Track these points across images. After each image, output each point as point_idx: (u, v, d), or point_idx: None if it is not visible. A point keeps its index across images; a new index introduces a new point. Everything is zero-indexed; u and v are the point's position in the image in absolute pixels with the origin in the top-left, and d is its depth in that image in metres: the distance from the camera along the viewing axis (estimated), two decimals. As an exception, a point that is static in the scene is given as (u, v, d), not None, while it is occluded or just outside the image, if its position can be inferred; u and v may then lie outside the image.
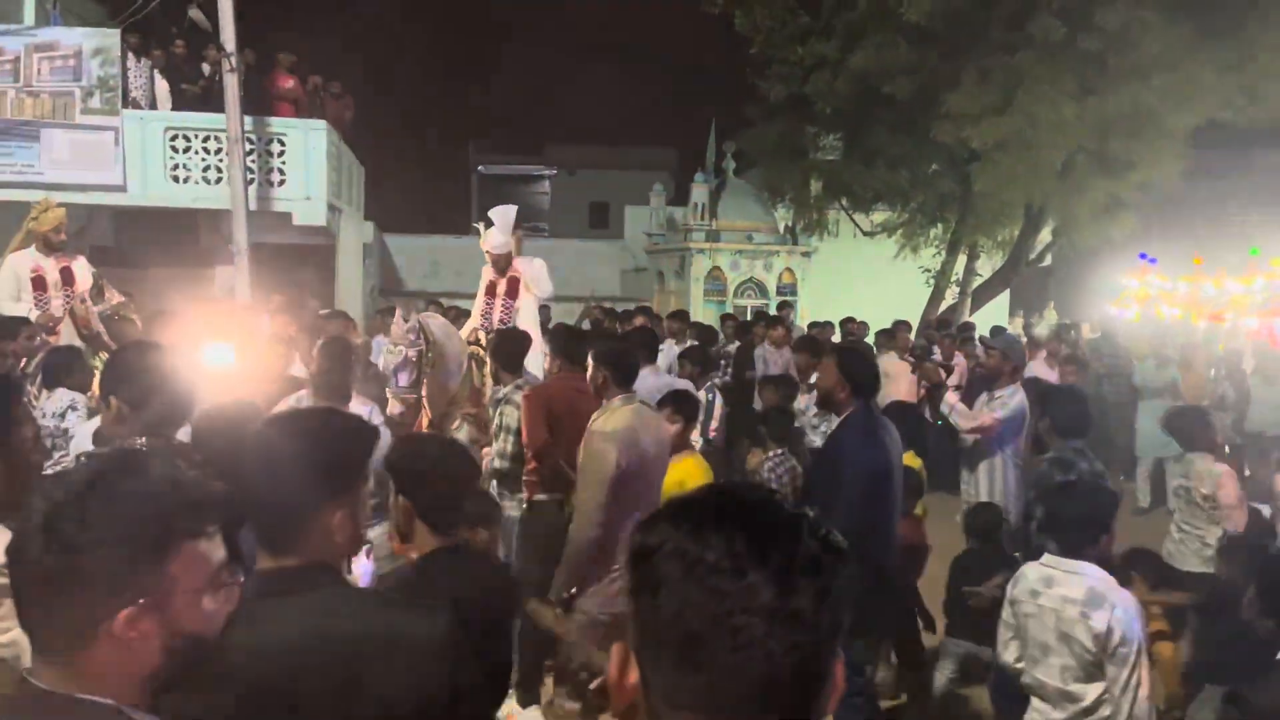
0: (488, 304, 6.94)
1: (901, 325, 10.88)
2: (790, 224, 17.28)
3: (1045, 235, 15.33)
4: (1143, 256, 14.86)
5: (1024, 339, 11.73)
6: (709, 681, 0.91)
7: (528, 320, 6.76)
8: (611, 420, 3.89)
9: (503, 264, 6.87)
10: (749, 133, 15.65)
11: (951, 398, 6.10)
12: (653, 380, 5.91)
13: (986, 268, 15.69)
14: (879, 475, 3.95)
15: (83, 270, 7.14)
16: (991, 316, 15.54)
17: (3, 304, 6.85)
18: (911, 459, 5.14)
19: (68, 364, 5.16)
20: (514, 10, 36.71)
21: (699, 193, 17.18)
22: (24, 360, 6.24)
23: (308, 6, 25.01)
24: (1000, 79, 11.69)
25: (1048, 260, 16.58)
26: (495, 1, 37.92)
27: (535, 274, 7.02)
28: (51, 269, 6.97)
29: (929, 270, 15.16)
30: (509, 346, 5.41)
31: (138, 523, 1.20)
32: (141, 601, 1.20)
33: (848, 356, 4.30)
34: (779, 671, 0.90)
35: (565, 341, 5.17)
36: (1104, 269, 19.36)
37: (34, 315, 6.70)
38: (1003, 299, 17.22)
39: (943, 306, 15.10)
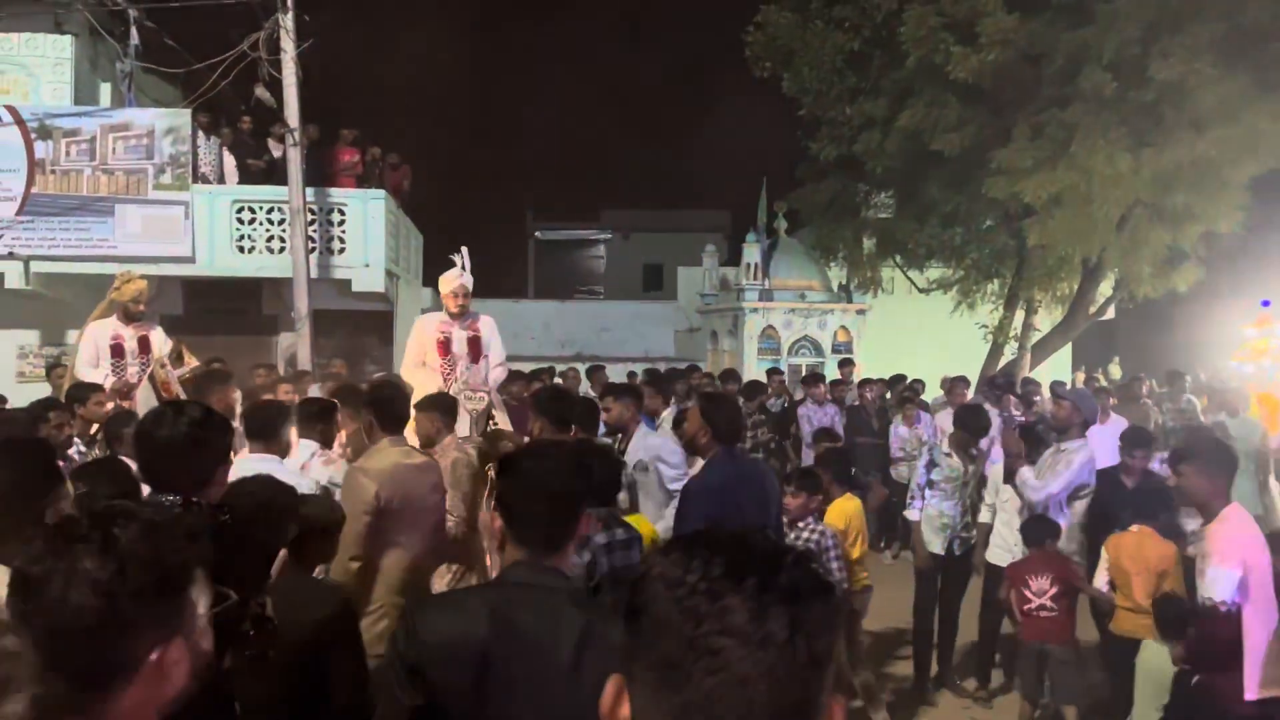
0: (445, 364, 6.65)
1: (960, 381, 10.72)
2: (844, 282, 17.25)
3: (1106, 289, 15.05)
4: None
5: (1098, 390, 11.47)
6: (685, 703, 0.92)
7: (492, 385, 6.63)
8: (374, 460, 4.23)
9: (464, 305, 6.72)
10: (800, 192, 15.72)
11: (1025, 472, 5.91)
12: (652, 440, 5.69)
13: (1045, 322, 15.42)
14: (725, 519, 3.90)
15: (159, 338, 7.40)
16: (1052, 372, 15.25)
17: (82, 369, 7.11)
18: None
19: (119, 429, 5.38)
20: (567, 79, 37.64)
21: (751, 252, 17.26)
22: (94, 425, 6.47)
23: (367, 81, 25.96)
24: (1053, 133, 11.61)
25: (1110, 314, 16.25)
26: (549, 71, 38.95)
27: (490, 337, 6.89)
28: (130, 337, 7.23)
29: (986, 326, 14.95)
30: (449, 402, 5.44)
31: (168, 559, 1.27)
32: (179, 631, 1.27)
33: (709, 403, 4.39)
34: (756, 697, 0.90)
35: (549, 403, 5.11)
36: (1174, 320, 18.89)
37: (109, 381, 6.93)
38: (1064, 354, 16.88)
39: (1002, 362, 14.85)
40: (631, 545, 3.67)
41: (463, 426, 5.64)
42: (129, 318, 7.38)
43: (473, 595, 2.53)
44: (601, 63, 38.87)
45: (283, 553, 2.78)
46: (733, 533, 1.01)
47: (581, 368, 12.64)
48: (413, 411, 4.84)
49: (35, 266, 11.85)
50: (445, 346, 6.65)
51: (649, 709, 0.96)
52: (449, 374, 6.58)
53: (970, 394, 10.86)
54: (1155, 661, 4.61)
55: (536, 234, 32.76)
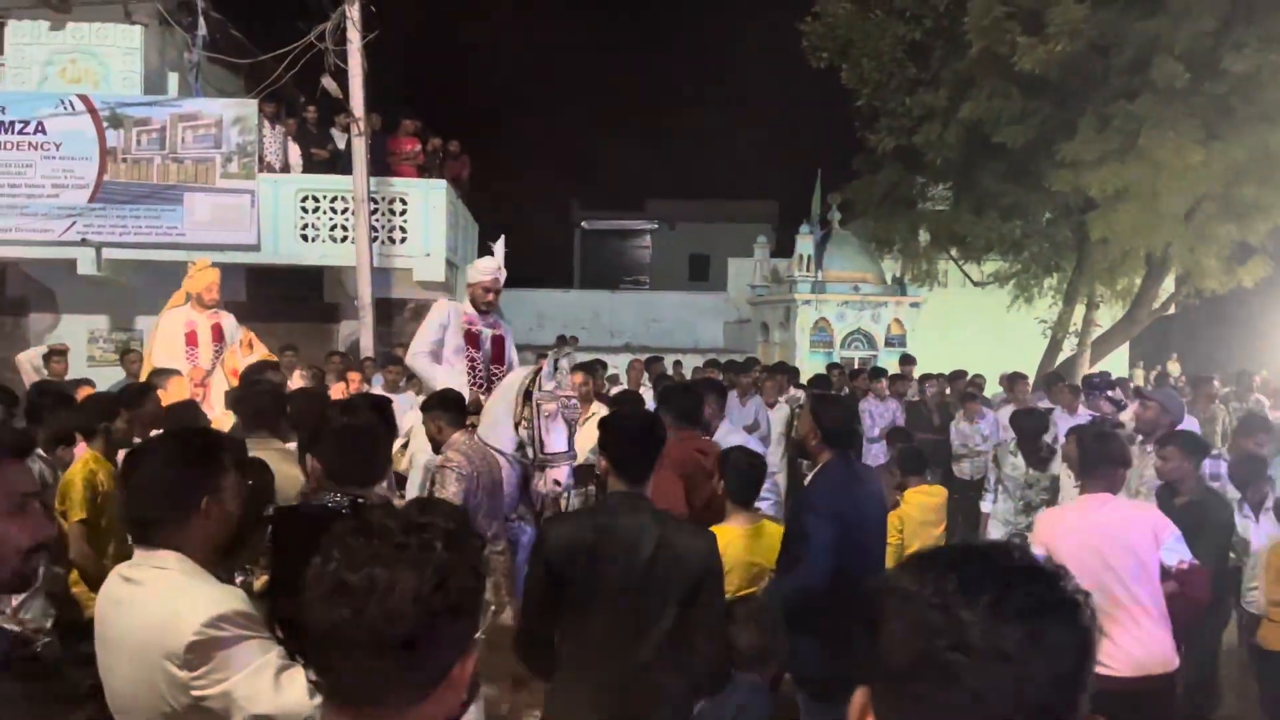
0: (473, 352, 5.93)
1: (1019, 378, 10.62)
2: (898, 274, 17.11)
3: (1168, 284, 14.80)
4: None
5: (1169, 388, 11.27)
6: (922, 717, 0.93)
7: (504, 399, 5.32)
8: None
9: (494, 301, 6.03)
10: (855, 183, 15.62)
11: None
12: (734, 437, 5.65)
13: (1106, 318, 15.20)
14: (848, 525, 3.84)
15: (231, 326, 7.54)
16: (1111, 368, 15.02)
17: (158, 356, 7.27)
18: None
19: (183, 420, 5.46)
20: (615, 66, 37.59)
21: (804, 244, 17.15)
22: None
23: (426, 69, 26.14)
24: (1120, 125, 11.41)
25: (1171, 310, 15.99)
26: (595, 60, 38.94)
27: (510, 347, 6.22)
28: (204, 325, 7.36)
29: (1045, 321, 14.77)
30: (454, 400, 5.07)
31: (476, 576, 1.28)
32: (472, 647, 1.29)
33: (819, 404, 4.28)
34: (991, 714, 0.90)
35: (679, 398, 4.98)
36: (1233, 316, 18.55)
37: (186, 369, 7.08)
38: (1121, 350, 16.63)
39: (1060, 358, 14.66)
40: None
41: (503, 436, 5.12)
42: (202, 306, 7.52)
43: (584, 513, 3.47)
44: (646, 51, 38.76)
45: None
46: (976, 547, 1.02)
47: (636, 357, 12.66)
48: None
49: (106, 253, 12.12)
50: (474, 339, 5.97)
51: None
52: (479, 371, 5.90)
53: (1030, 390, 10.75)
54: None
55: (582, 224, 32.82)
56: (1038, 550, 3.47)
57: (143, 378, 7.08)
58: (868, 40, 13.90)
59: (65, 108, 12.07)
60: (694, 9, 37.11)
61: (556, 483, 5.00)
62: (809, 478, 4.27)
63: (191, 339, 7.37)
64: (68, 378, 8.98)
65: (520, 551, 4.92)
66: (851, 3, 14.21)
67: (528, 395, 5.06)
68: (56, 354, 9.77)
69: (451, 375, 5.69)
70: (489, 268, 5.99)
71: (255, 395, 4.31)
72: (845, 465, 4.04)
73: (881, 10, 13.88)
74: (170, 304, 7.71)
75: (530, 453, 5.05)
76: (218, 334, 7.48)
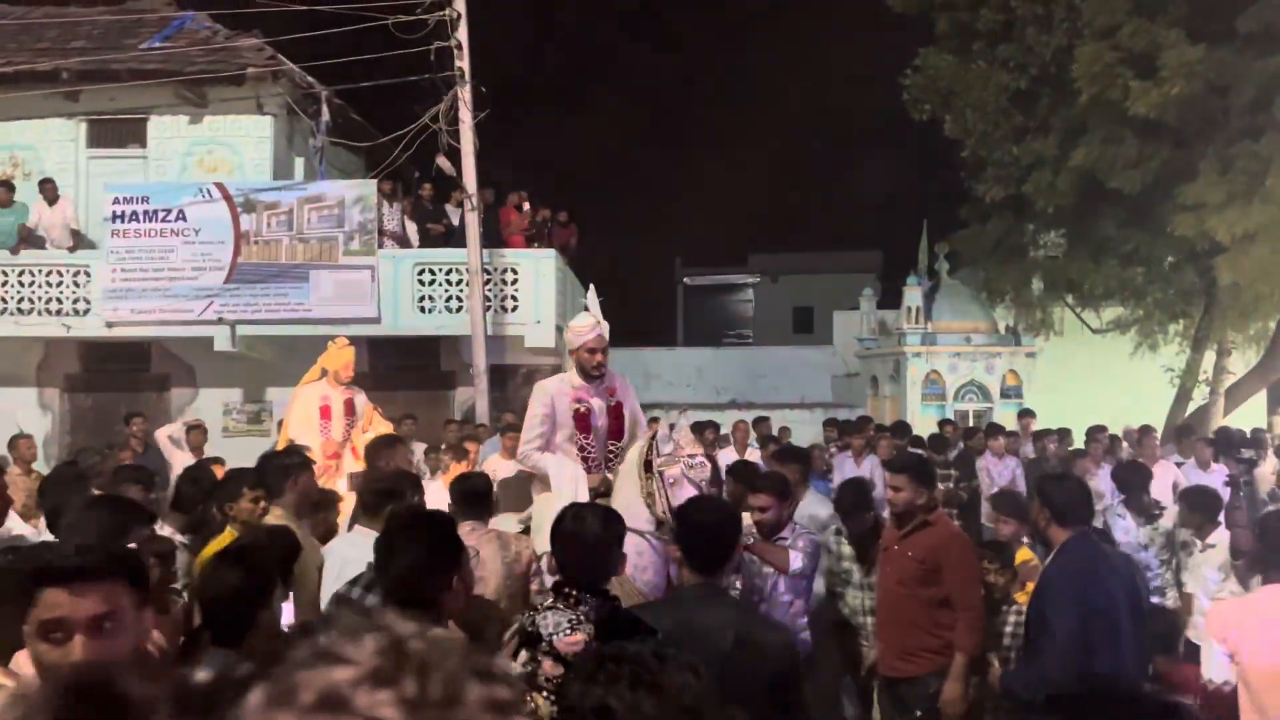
0: (584, 438, 5.18)
1: (1148, 430, 10.21)
2: (1011, 324, 16.69)
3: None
4: None
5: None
6: None
7: (629, 476, 4.75)
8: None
9: (603, 363, 5.29)
10: (963, 232, 15.40)
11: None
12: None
13: (1239, 364, 14.48)
14: (1096, 615, 3.57)
15: (362, 401, 7.88)
16: (1248, 418, 14.26)
17: (295, 430, 7.63)
18: None
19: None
20: (714, 121, 38.11)
21: (912, 295, 16.89)
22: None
23: (530, 138, 27.05)
24: (1245, 166, 11.01)
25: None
26: (692, 119, 39.56)
27: (633, 405, 5.44)
28: (337, 400, 7.70)
29: (1172, 370, 14.17)
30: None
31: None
32: None
33: (1047, 484, 4.03)
34: None
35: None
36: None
37: (319, 442, 7.42)
38: (1259, 398, 15.78)
39: (1191, 408, 14.02)
40: None
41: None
42: (338, 382, 7.87)
43: (659, 603, 3.58)
44: (746, 106, 39.21)
45: None
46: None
47: (744, 416, 12.63)
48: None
49: (240, 330, 12.83)
50: (585, 421, 5.20)
51: None
52: (593, 455, 5.21)
53: (1159, 443, 10.32)
54: None
55: (685, 280, 33.09)
56: (1216, 644, 3.29)
57: (280, 447, 7.48)
58: (970, 91, 13.79)
59: (203, 195, 12.92)
60: (794, 64, 37.46)
61: None
62: (1048, 561, 3.98)
63: (325, 413, 7.70)
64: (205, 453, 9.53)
65: None
66: (953, 55, 14.16)
67: (648, 466, 4.66)
68: (194, 429, 10.36)
69: (565, 464, 5.11)
70: (586, 325, 5.27)
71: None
72: (1086, 545, 3.77)
73: (984, 61, 13.77)
74: (306, 379, 8.08)
75: (669, 527, 4.42)
76: (350, 409, 7.80)
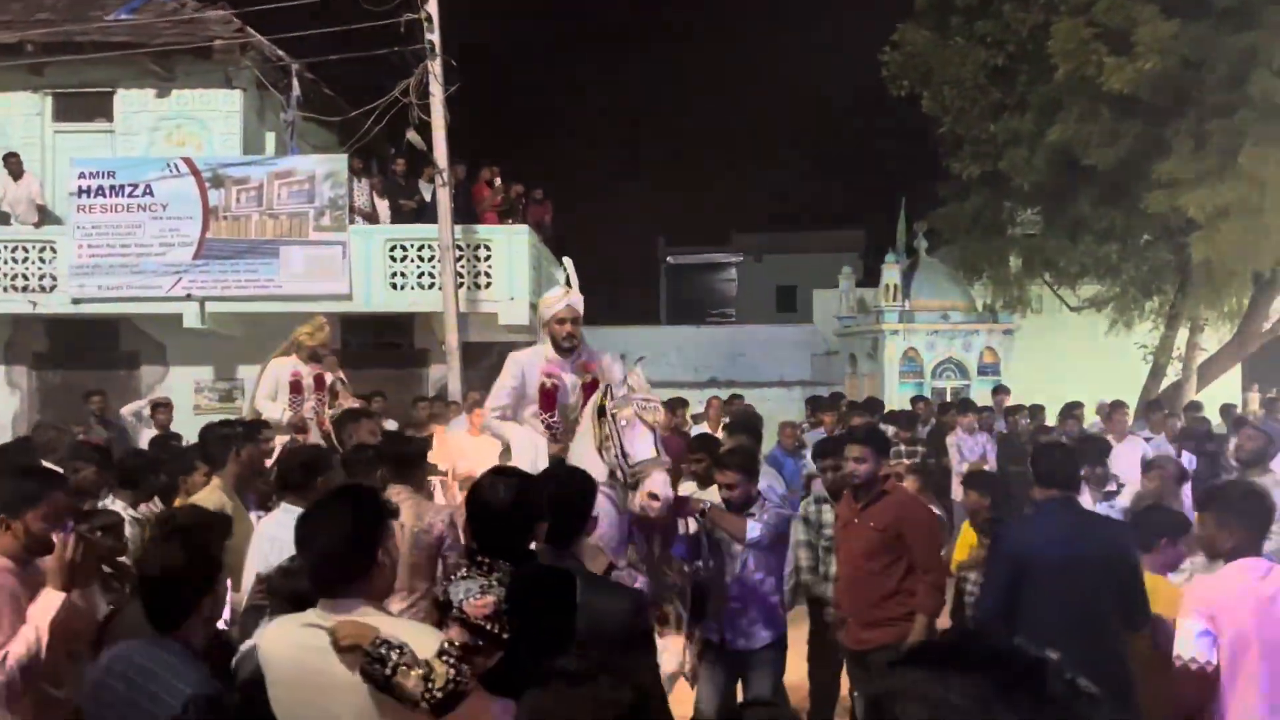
0: (548, 415, 5.02)
1: (1119, 406, 10.21)
2: (989, 301, 16.70)
3: (1278, 304, 14.08)
4: None
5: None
6: None
7: (585, 430, 4.50)
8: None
9: (575, 335, 5.06)
10: (941, 210, 15.37)
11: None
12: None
13: (1212, 341, 14.53)
14: (1029, 564, 3.70)
15: (332, 378, 7.83)
16: (1221, 393, 14.33)
17: (261, 403, 7.57)
18: None
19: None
20: (695, 101, 37.92)
21: (890, 273, 16.87)
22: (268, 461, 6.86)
23: (507, 117, 26.83)
24: (1219, 142, 11.00)
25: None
26: (676, 95, 39.35)
27: (616, 374, 4.92)
28: (308, 375, 7.65)
29: (1146, 346, 14.21)
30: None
31: None
32: None
33: (1040, 450, 4.24)
34: None
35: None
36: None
37: (286, 416, 7.35)
38: (1233, 374, 15.86)
39: (1165, 384, 14.07)
40: None
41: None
42: (313, 359, 7.80)
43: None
44: (727, 85, 38.99)
45: None
46: (983, 643, 0.99)
47: (721, 394, 12.59)
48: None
49: (209, 307, 12.68)
50: (550, 397, 4.99)
51: None
52: (558, 431, 5.00)
53: (1131, 419, 10.33)
54: None
55: (668, 259, 33.01)
56: (1195, 620, 3.22)
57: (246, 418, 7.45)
58: (948, 67, 13.73)
59: (171, 170, 12.72)
60: (773, 42, 37.27)
61: (653, 496, 4.07)
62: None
63: (295, 388, 7.64)
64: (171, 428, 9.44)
65: None
66: (931, 31, 14.07)
67: (601, 412, 4.35)
68: (160, 406, 10.26)
69: (525, 433, 4.96)
70: (555, 296, 5.14)
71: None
72: (1056, 508, 3.87)
73: (962, 37, 13.70)
74: (277, 353, 8.01)
75: (621, 474, 4.22)
76: (320, 384, 7.76)
